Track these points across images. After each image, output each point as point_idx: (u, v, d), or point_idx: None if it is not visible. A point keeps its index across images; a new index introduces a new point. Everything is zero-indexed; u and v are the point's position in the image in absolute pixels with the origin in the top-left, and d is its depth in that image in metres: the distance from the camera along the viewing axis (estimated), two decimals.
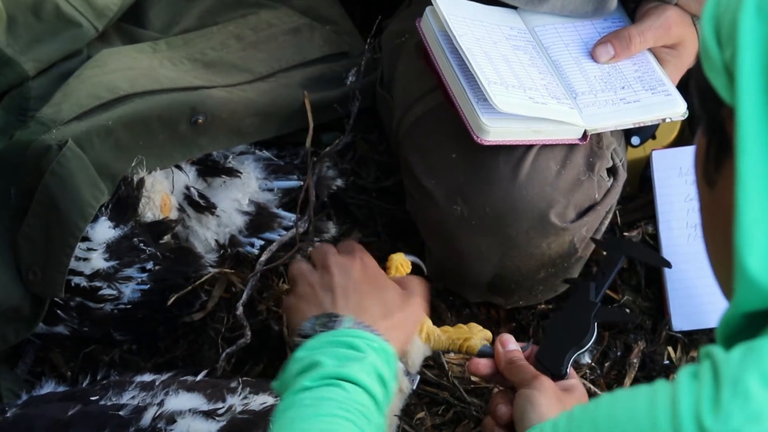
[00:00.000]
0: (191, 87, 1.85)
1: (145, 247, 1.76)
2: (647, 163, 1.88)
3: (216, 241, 1.85)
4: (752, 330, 0.98)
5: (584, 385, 1.75)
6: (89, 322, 1.79)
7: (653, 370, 1.81)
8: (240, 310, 1.79)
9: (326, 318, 1.49)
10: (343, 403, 1.35)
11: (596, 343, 1.71)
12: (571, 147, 1.71)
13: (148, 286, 1.79)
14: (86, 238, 1.72)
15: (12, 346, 1.77)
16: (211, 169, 1.86)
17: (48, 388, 1.69)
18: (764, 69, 0.94)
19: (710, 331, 1.83)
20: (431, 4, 1.71)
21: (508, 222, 1.69)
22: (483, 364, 1.60)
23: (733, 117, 0.96)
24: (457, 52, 1.67)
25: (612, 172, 1.76)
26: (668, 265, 1.78)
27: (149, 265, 1.77)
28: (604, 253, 1.71)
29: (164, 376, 1.62)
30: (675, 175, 1.85)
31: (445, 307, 1.86)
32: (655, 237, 1.86)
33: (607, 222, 1.77)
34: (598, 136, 1.73)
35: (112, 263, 1.74)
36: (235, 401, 1.56)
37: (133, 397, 1.56)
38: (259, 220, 1.87)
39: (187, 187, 1.83)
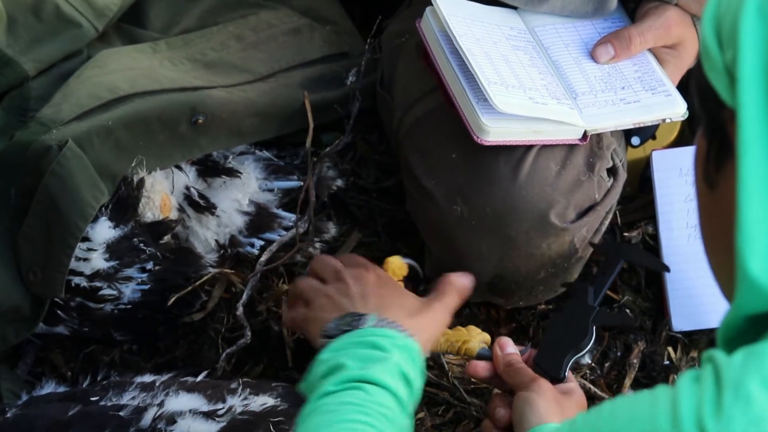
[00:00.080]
0: (191, 87, 1.85)
1: (145, 248, 1.76)
2: (647, 164, 1.88)
3: (216, 241, 1.85)
4: (754, 332, 0.98)
5: (584, 385, 1.75)
6: (89, 323, 1.79)
7: (653, 371, 1.81)
8: (240, 311, 1.79)
9: (350, 317, 1.50)
10: (365, 407, 1.35)
11: (596, 344, 1.71)
12: (571, 147, 1.71)
13: (148, 286, 1.79)
14: (86, 239, 1.72)
15: (12, 346, 1.77)
16: (211, 169, 1.86)
17: (48, 388, 1.69)
18: (765, 70, 0.94)
19: (710, 331, 1.83)
20: (431, 4, 1.71)
21: (508, 222, 1.69)
22: (481, 367, 1.61)
23: (734, 118, 0.96)
24: (457, 53, 1.67)
25: (612, 172, 1.76)
26: (667, 269, 1.78)
27: (149, 266, 1.77)
28: (603, 258, 1.72)
29: (164, 377, 1.62)
30: (675, 176, 1.85)
31: None
32: (655, 237, 1.86)
33: (607, 222, 1.77)
34: (598, 137, 1.73)
35: (112, 263, 1.74)
36: (235, 402, 1.56)
37: (133, 398, 1.56)
38: (259, 220, 1.87)
39: (187, 188, 1.83)
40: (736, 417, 0.92)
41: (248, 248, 1.87)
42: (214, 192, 1.86)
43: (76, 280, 1.73)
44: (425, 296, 1.60)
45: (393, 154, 1.90)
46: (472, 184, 1.69)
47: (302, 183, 1.88)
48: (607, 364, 1.81)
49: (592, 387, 1.76)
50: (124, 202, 1.74)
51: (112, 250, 1.74)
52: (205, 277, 1.82)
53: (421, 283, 1.80)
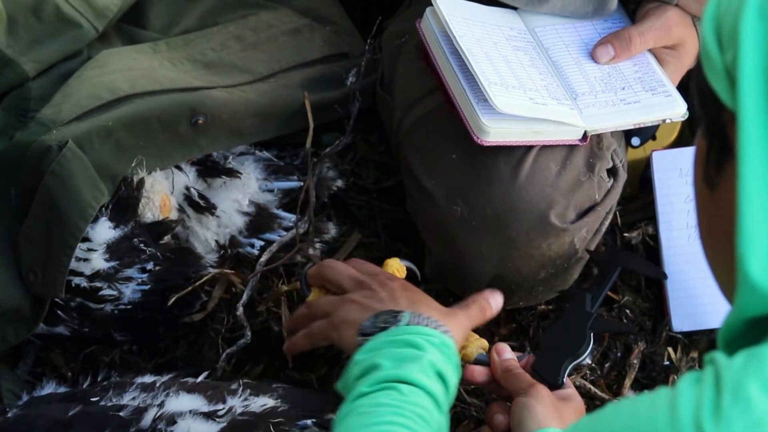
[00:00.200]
0: (191, 87, 1.85)
1: (145, 248, 1.76)
2: (647, 164, 1.88)
3: (216, 241, 1.85)
4: (755, 334, 0.98)
5: (584, 386, 1.75)
6: (90, 323, 1.79)
7: (653, 371, 1.81)
8: (240, 311, 1.79)
9: (386, 315, 1.51)
10: (400, 408, 1.36)
11: (596, 344, 1.71)
12: (571, 148, 1.71)
13: (149, 286, 1.79)
14: (86, 239, 1.72)
15: (12, 346, 1.77)
16: (211, 169, 1.86)
17: (49, 388, 1.69)
18: (766, 72, 0.94)
19: (711, 332, 1.83)
20: (431, 4, 1.71)
21: (508, 223, 1.69)
22: (479, 372, 1.61)
23: (734, 120, 0.96)
24: (458, 53, 1.67)
25: (612, 172, 1.76)
26: (664, 276, 1.79)
27: (149, 266, 1.77)
28: (600, 265, 1.72)
29: (165, 378, 1.62)
30: (675, 176, 1.85)
31: None
32: (655, 238, 1.86)
33: (607, 223, 1.77)
34: (598, 137, 1.73)
35: (112, 264, 1.74)
36: (236, 403, 1.56)
37: (133, 398, 1.56)
38: (259, 220, 1.87)
39: (187, 188, 1.83)
40: (735, 420, 0.92)
41: (248, 249, 1.87)
42: (214, 192, 1.86)
43: (77, 280, 1.73)
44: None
45: (393, 155, 1.90)
46: (472, 184, 1.69)
47: (302, 183, 1.88)
48: (607, 365, 1.81)
49: (592, 387, 1.76)
50: (124, 203, 1.74)
51: (113, 250, 1.74)
52: (205, 278, 1.82)
53: (419, 286, 1.80)
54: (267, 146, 1.92)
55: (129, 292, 1.78)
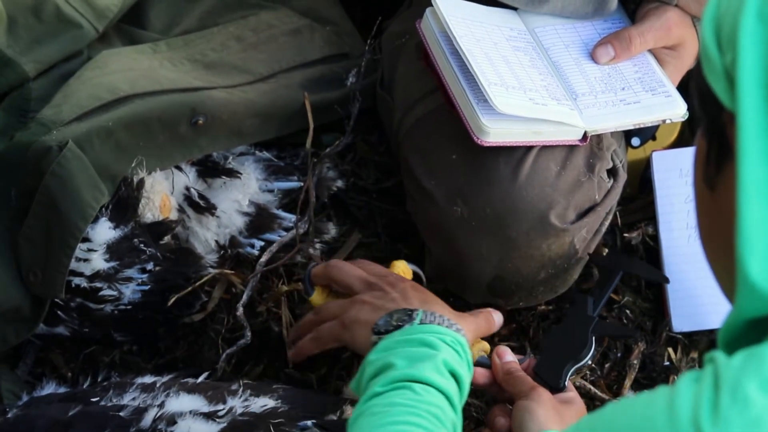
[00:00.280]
0: (191, 88, 1.85)
1: (145, 248, 1.76)
2: (647, 164, 1.88)
3: (216, 241, 1.85)
4: (755, 335, 0.98)
5: (584, 386, 1.75)
6: (90, 323, 1.79)
7: (653, 372, 1.81)
8: (240, 311, 1.79)
9: (400, 313, 1.52)
10: (414, 407, 1.36)
11: (597, 345, 1.71)
12: (571, 148, 1.71)
13: (149, 286, 1.79)
14: (86, 239, 1.72)
15: (12, 346, 1.77)
16: (211, 169, 1.86)
17: (49, 389, 1.69)
18: (765, 73, 0.94)
19: (711, 332, 1.83)
20: (431, 5, 1.71)
21: (508, 223, 1.69)
22: (480, 374, 1.61)
23: (733, 121, 0.96)
24: (458, 54, 1.67)
25: (612, 173, 1.76)
26: (666, 280, 1.79)
27: (149, 266, 1.78)
28: (601, 269, 1.73)
29: (165, 378, 1.62)
30: (675, 176, 1.85)
31: None
32: (655, 238, 1.86)
33: (607, 223, 1.77)
34: (598, 138, 1.73)
35: (112, 264, 1.74)
36: (236, 403, 1.56)
37: (133, 399, 1.56)
38: (260, 221, 1.87)
39: (187, 188, 1.84)
40: (733, 418, 0.92)
41: (248, 249, 1.87)
42: (214, 192, 1.86)
43: (77, 280, 1.73)
44: None
45: (393, 155, 1.90)
46: (472, 184, 1.69)
47: (302, 184, 1.88)
48: (607, 365, 1.81)
49: (592, 388, 1.76)
50: (124, 203, 1.75)
51: (113, 250, 1.74)
52: (206, 278, 1.82)
53: None
54: (267, 146, 1.92)
55: (129, 292, 1.78)
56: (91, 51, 1.90)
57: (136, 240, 1.75)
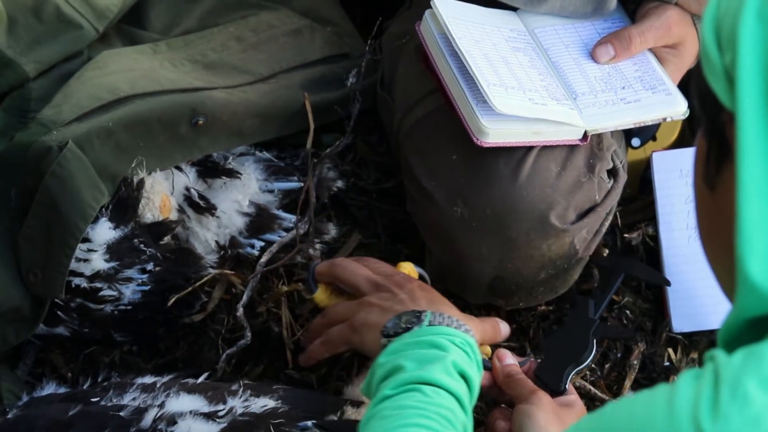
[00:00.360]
0: (192, 88, 1.85)
1: (145, 248, 1.76)
2: (647, 165, 1.88)
3: (216, 242, 1.85)
4: (755, 334, 0.98)
5: (584, 386, 1.75)
6: (90, 323, 1.79)
7: (653, 372, 1.81)
8: (240, 311, 1.79)
9: (409, 315, 1.51)
10: (423, 409, 1.36)
11: (597, 346, 1.71)
12: (571, 149, 1.71)
13: (149, 287, 1.79)
14: (86, 239, 1.72)
15: (12, 347, 1.77)
16: (211, 170, 1.86)
17: (49, 389, 1.69)
18: (764, 73, 0.94)
19: (711, 332, 1.83)
20: (431, 6, 1.71)
21: (508, 223, 1.69)
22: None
23: (733, 121, 0.96)
24: (457, 55, 1.67)
25: (612, 173, 1.76)
26: (667, 283, 1.79)
27: (149, 266, 1.78)
28: (603, 271, 1.73)
29: (165, 378, 1.62)
30: (675, 177, 1.85)
31: None
32: (655, 238, 1.86)
33: (607, 224, 1.77)
34: (599, 138, 1.73)
35: (112, 264, 1.74)
36: (236, 403, 1.56)
37: (134, 399, 1.56)
38: (260, 221, 1.87)
39: (188, 188, 1.84)
40: (733, 416, 0.91)
41: (248, 249, 1.87)
42: (215, 193, 1.86)
43: (77, 280, 1.73)
44: None
45: (393, 156, 1.90)
46: (472, 185, 1.69)
47: (302, 184, 1.88)
48: (607, 366, 1.81)
49: (592, 388, 1.76)
50: (124, 203, 1.75)
51: (113, 251, 1.74)
52: (206, 278, 1.82)
53: None
54: (267, 147, 1.92)
55: (129, 292, 1.78)
56: (92, 51, 1.90)
57: (136, 240, 1.75)
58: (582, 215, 1.72)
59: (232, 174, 1.85)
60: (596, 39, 1.75)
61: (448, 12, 1.70)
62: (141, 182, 1.76)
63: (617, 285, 1.72)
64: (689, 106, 1.69)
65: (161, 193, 1.79)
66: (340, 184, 1.93)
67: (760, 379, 0.92)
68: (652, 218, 1.88)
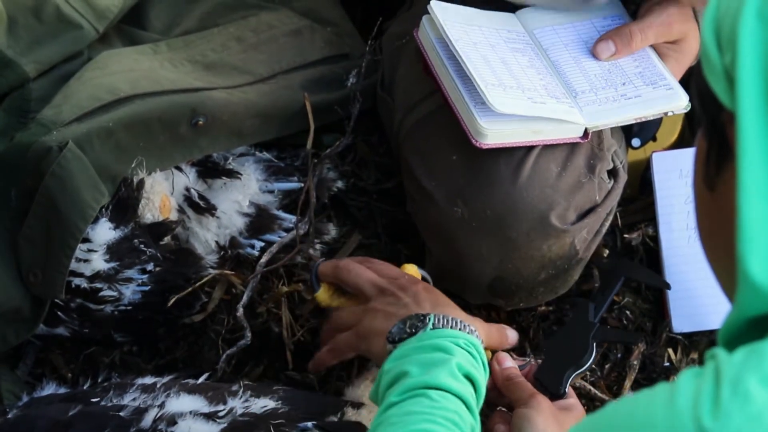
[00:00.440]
0: (192, 89, 1.85)
1: (145, 249, 1.76)
2: (648, 165, 1.88)
3: (216, 242, 1.85)
4: (756, 333, 0.98)
5: (584, 387, 1.75)
6: (90, 324, 1.79)
7: (653, 372, 1.81)
8: (240, 312, 1.79)
9: (412, 319, 1.51)
10: (430, 414, 1.36)
11: (597, 348, 1.71)
12: (571, 149, 1.71)
13: (149, 287, 1.79)
14: (87, 240, 1.72)
15: (12, 347, 1.77)
16: (211, 170, 1.86)
17: (49, 389, 1.69)
18: (764, 74, 0.94)
19: (711, 333, 1.83)
20: None
21: (508, 224, 1.69)
22: None
23: (733, 121, 0.96)
24: (455, 59, 1.67)
25: (612, 174, 1.76)
26: (667, 286, 1.79)
27: (150, 267, 1.78)
28: (604, 274, 1.73)
29: (165, 379, 1.62)
30: (675, 177, 1.85)
31: None
32: (655, 239, 1.86)
33: (607, 224, 1.77)
34: (599, 138, 1.73)
35: (112, 264, 1.74)
36: (236, 404, 1.56)
37: (134, 399, 1.56)
38: (260, 221, 1.87)
39: (188, 189, 1.84)
40: (734, 413, 0.91)
41: (248, 249, 1.87)
42: (215, 193, 1.86)
43: (77, 281, 1.73)
44: None
45: (393, 156, 1.90)
46: (472, 185, 1.69)
47: (302, 184, 1.88)
48: (607, 366, 1.81)
49: (592, 389, 1.76)
50: (124, 204, 1.75)
51: (113, 251, 1.74)
52: (206, 279, 1.82)
53: None
54: (267, 147, 1.92)
55: (129, 293, 1.78)
56: (92, 52, 1.90)
57: (136, 240, 1.75)
58: (582, 216, 1.72)
59: (232, 174, 1.85)
60: (596, 38, 1.75)
61: (445, 15, 1.70)
62: (141, 182, 1.76)
63: (618, 288, 1.72)
64: (690, 102, 1.69)
65: (161, 194, 1.79)
66: (340, 184, 1.93)
67: (762, 376, 0.92)
68: (652, 219, 1.88)
